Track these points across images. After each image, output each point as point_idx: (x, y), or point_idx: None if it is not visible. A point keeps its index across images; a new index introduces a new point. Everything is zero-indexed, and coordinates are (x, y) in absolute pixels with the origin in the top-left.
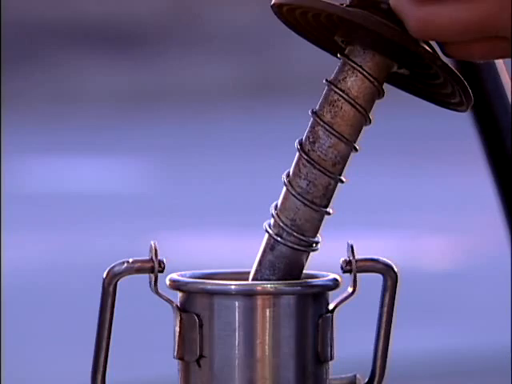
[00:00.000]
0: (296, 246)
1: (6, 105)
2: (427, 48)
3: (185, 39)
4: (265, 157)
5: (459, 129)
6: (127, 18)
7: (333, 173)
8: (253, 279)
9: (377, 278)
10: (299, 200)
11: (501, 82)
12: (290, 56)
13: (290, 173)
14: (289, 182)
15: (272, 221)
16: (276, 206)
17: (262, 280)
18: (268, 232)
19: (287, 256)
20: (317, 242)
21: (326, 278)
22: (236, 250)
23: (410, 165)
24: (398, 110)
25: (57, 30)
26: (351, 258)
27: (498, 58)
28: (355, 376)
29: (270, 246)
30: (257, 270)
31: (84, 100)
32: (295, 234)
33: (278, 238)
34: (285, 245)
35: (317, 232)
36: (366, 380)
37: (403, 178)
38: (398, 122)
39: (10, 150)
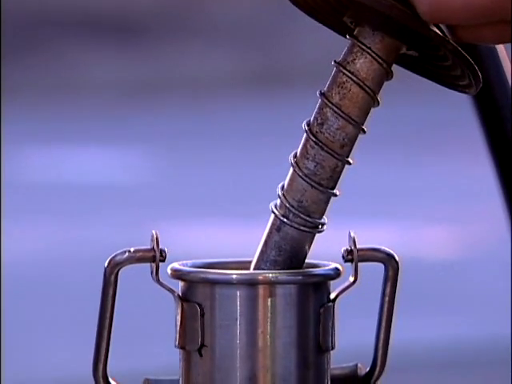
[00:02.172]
0: (302, 228)
1: (7, 94)
2: (437, 31)
3: (186, 30)
4: (266, 146)
5: (460, 117)
6: (129, 8)
7: (340, 155)
8: (258, 260)
9: (378, 268)
10: (306, 182)
11: (502, 70)
12: (291, 47)
13: (297, 154)
14: (296, 163)
15: (278, 201)
16: (283, 186)
17: (267, 261)
18: (274, 213)
19: (293, 237)
20: (323, 224)
21: (327, 268)
22: (237, 239)
23: (411, 154)
24: (397, 99)
25: (58, 20)
26: (352, 248)
27: (508, 42)
28: (356, 365)
29: (276, 227)
30: (262, 251)
31: (85, 90)
32: (302, 215)
33: (285, 220)
34: (291, 226)
35: (323, 213)
36: (368, 369)
37: (403, 167)
38: (398, 111)
39: (10, 139)
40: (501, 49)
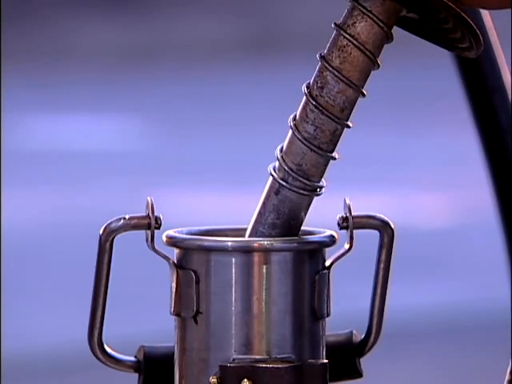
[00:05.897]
0: (301, 191)
1: (6, 63)
2: None
3: None
4: (263, 113)
5: (453, 86)
6: None
7: (340, 118)
8: (256, 222)
9: (374, 235)
10: (306, 145)
11: (491, 45)
12: (288, 11)
13: (297, 117)
14: (295, 126)
15: (277, 164)
16: (281, 148)
17: (265, 224)
18: (273, 176)
19: (292, 200)
20: (321, 187)
21: (322, 235)
22: (233, 206)
23: (407, 121)
24: (392, 68)
25: None
26: (348, 215)
27: (509, 8)
28: (352, 332)
29: (275, 190)
30: (260, 213)
31: (82, 57)
32: (301, 178)
33: (284, 183)
34: (290, 189)
35: (322, 176)
36: (363, 336)
37: (400, 134)
38: (393, 77)
39: (9, 107)
40: (490, 27)
